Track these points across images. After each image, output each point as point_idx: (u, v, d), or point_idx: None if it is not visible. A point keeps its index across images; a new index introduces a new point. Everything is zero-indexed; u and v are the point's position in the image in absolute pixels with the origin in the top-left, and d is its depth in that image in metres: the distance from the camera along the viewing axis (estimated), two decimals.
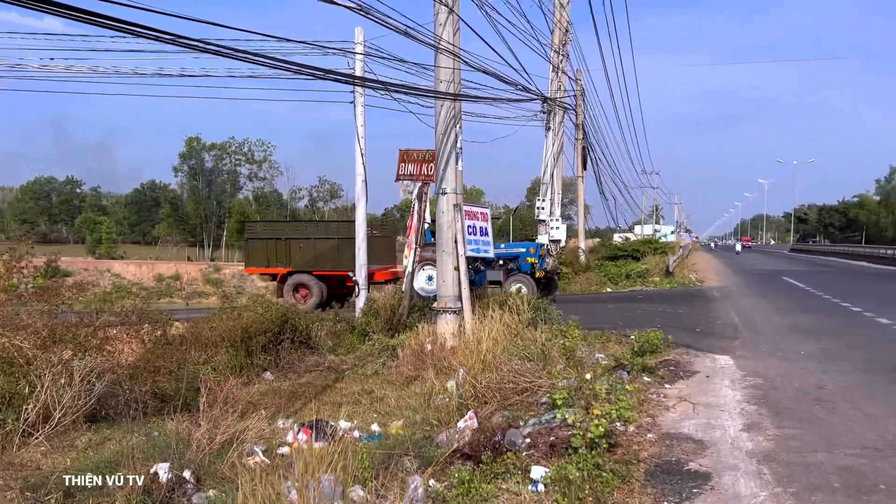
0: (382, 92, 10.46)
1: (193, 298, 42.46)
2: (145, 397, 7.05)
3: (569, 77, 23.25)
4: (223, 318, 10.02)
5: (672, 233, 70.19)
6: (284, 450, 5.69)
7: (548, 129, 21.95)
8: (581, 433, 4.59)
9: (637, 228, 61.44)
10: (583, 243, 27.57)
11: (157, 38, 5.15)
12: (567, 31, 21.94)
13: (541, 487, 4.19)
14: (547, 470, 4.35)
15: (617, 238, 39.98)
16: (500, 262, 17.23)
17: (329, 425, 6.13)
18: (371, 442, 5.82)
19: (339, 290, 19.84)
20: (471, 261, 17.26)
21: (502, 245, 18.79)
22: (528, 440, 5.18)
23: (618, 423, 5.27)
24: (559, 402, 5.29)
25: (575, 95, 24.26)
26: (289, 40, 8.34)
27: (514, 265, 17.18)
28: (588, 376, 5.68)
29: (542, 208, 22.07)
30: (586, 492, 3.94)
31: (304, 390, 8.50)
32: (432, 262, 16.52)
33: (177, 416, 5.64)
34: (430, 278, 16.60)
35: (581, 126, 24.67)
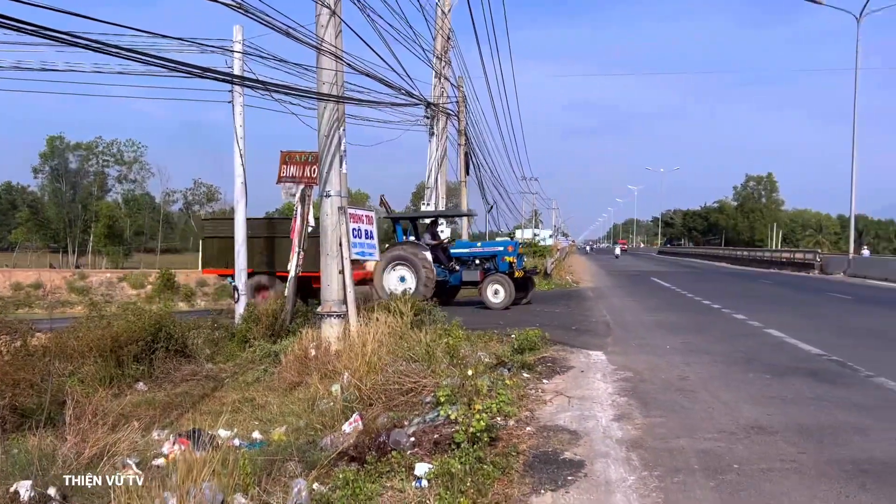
0: (263, 92, 10.24)
1: (57, 308, 39.58)
2: (3, 412, 6.54)
3: (451, 84, 23.63)
4: (90, 328, 9.44)
5: (550, 237, 72.79)
6: (160, 461, 5.46)
7: (431, 134, 22.21)
8: (464, 428, 4.72)
9: (518, 233, 63.25)
10: None
11: (15, 28, 4.82)
12: (449, 38, 22.29)
13: (424, 483, 4.26)
14: (430, 466, 4.43)
15: None
16: (477, 261, 16.70)
17: (208, 435, 5.94)
18: (253, 449, 5.70)
19: (302, 293, 19.24)
20: (446, 260, 16.61)
21: (478, 244, 17.98)
22: (412, 439, 5.25)
23: (499, 418, 5.45)
24: (443, 400, 5.41)
25: (457, 102, 24.68)
26: (163, 36, 7.97)
27: (492, 265, 16.39)
28: (470, 373, 5.83)
29: None
30: (468, 484, 4.06)
31: (181, 400, 8.17)
32: (404, 261, 15.95)
33: (39, 432, 5.29)
34: (402, 279, 16.04)
35: (464, 132, 25.13)
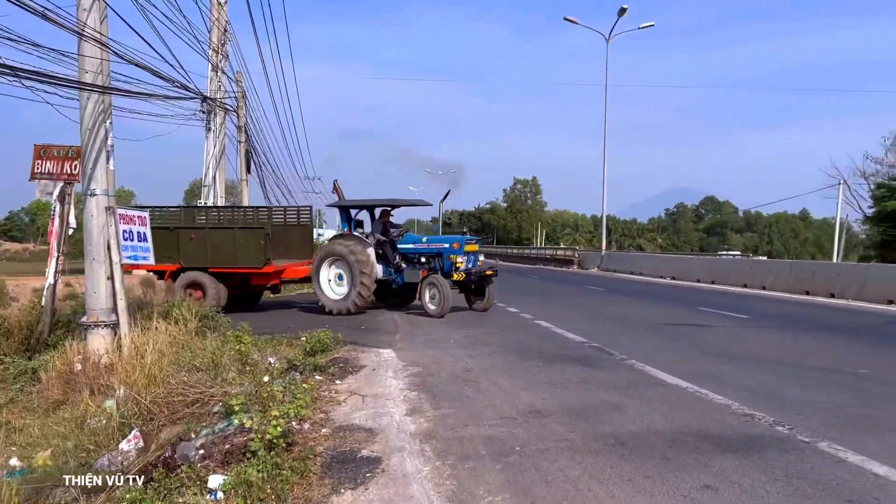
0: (11, 79, 9.07)
1: None
2: None
3: (229, 78, 22.70)
4: None
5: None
6: None
7: (208, 129, 21.16)
8: (260, 436, 4.62)
9: None
10: None
11: None
12: (226, 30, 21.38)
13: (220, 495, 4.11)
14: (225, 477, 4.28)
15: None
16: (423, 259, 14.56)
17: None
18: (13, 478, 5.07)
19: (241, 291, 16.39)
20: (389, 259, 14.60)
21: (424, 239, 15.32)
22: (201, 451, 5.03)
23: (294, 423, 5.40)
24: (236, 408, 5.23)
25: (236, 97, 23.77)
26: None
27: (437, 264, 14.26)
28: (266, 379, 5.70)
29: None
30: (268, 491, 3.99)
31: None
32: (340, 258, 14.22)
33: None
34: (340, 277, 14.40)
35: (244, 128, 24.27)
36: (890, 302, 17.16)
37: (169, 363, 6.90)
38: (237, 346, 7.11)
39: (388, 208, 15.57)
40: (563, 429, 5.69)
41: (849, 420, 5.93)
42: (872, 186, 47.04)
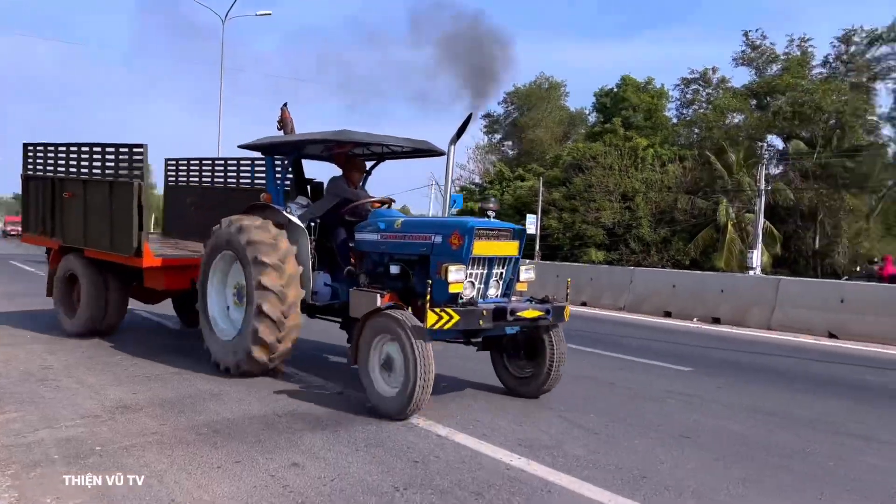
0: None
1: None
2: None
3: None
4: None
5: None
6: None
7: None
8: None
9: None
10: None
11: None
12: None
13: None
14: None
15: None
16: (393, 269, 6.53)
17: None
18: None
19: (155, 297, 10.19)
20: (343, 261, 7.19)
21: (397, 223, 6.74)
22: None
23: None
24: None
25: None
26: None
27: (417, 280, 6.43)
28: None
29: None
30: None
31: None
32: (235, 253, 6.98)
33: None
34: (240, 293, 7.14)
35: None
36: None
37: None
38: None
39: (359, 157, 7.83)
40: (155, 422, 5.42)
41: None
42: (457, 189, 54.76)
